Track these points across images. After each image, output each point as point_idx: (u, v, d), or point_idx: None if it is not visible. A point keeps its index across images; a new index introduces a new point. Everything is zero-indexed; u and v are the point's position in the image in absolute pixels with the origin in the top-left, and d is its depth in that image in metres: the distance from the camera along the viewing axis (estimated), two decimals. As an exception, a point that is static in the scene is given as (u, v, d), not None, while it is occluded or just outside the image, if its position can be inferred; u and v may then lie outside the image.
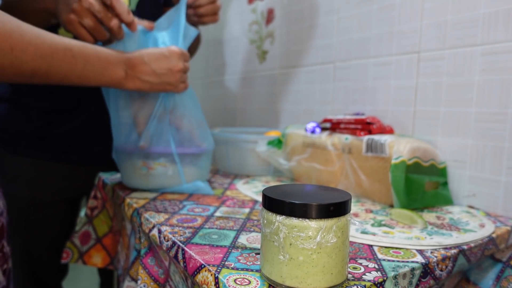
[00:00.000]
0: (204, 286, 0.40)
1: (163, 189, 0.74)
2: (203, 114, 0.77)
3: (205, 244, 0.47)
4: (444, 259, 0.46)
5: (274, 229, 0.36)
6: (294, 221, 0.35)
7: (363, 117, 0.74)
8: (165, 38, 0.73)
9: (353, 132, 0.74)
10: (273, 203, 0.36)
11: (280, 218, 0.35)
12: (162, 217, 0.57)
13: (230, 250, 0.46)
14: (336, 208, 0.35)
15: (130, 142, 0.72)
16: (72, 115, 0.87)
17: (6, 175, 0.85)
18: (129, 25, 0.68)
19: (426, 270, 0.44)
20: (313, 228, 0.34)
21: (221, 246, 0.47)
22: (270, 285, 0.37)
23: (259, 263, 0.42)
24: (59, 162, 0.89)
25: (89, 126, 0.89)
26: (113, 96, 0.73)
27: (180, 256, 0.46)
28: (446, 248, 0.48)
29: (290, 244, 0.35)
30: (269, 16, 1.20)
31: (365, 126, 0.72)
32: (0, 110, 0.87)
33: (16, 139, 0.86)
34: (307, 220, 0.35)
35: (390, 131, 0.75)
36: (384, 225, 0.56)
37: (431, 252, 0.47)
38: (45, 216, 0.89)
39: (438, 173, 0.70)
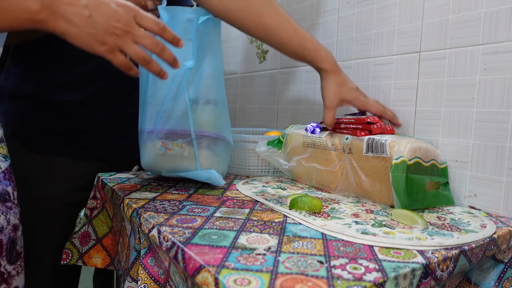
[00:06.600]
0: (204, 286, 0.40)
1: (178, 172, 0.75)
2: (227, 109, 0.78)
3: (204, 245, 0.47)
4: (445, 259, 0.46)
5: None
6: None
7: (363, 116, 0.74)
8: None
9: (353, 132, 0.73)
10: None
11: None
12: (161, 218, 0.57)
13: (230, 250, 0.45)
14: None
15: (151, 122, 0.73)
16: (95, 108, 0.88)
17: (34, 175, 0.85)
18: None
19: (427, 270, 0.44)
20: None
21: (220, 247, 0.46)
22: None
23: (259, 263, 0.42)
24: (86, 160, 0.90)
25: (112, 120, 0.90)
26: (142, 74, 0.74)
27: (179, 256, 0.46)
28: (447, 248, 0.48)
29: None
30: (269, 16, 1.20)
31: (366, 126, 0.72)
32: (20, 109, 0.86)
33: (42, 138, 0.86)
34: None
35: (391, 131, 0.75)
36: (385, 225, 0.56)
37: (432, 253, 0.46)
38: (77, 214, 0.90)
39: (439, 173, 0.70)
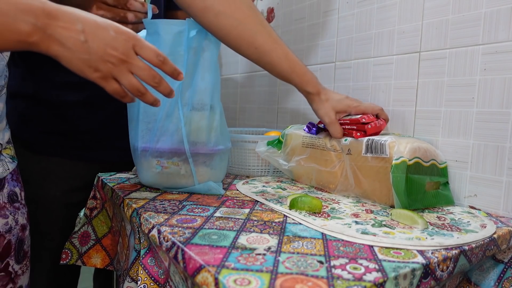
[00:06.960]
0: (204, 286, 0.40)
1: (177, 189, 0.74)
2: (223, 114, 0.76)
3: (204, 245, 0.47)
4: (445, 259, 0.46)
5: None
6: None
7: (357, 117, 0.74)
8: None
9: (349, 132, 0.73)
10: None
11: None
12: (161, 218, 0.57)
13: (230, 250, 0.45)
14: None
15: (144, 139, 0.72)
16: (95, 109, 0.88)
17: (33, 176, 0.85)
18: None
19: (427, 270, 0.44)
20: None
21: (220, 247, 0.46)
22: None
23: (259, 263, 0.42)
24: (85, 161, 0.90)
25: (112, 120, 0.90)
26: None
27: (179, 256, 0.46)
28: (447, 248, 0.48)
29: None
30: (269, 16, 1.20)
31: (360, 126, 0.72)
32: (20, 109, 0.86)
33: (41, 139, 0.87)
34: None
35: (383, 125, 0.75)
36: (385, 225, 0.56)
37: (432, 253, 0.46)
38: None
39: (439, 173, 0.70)
